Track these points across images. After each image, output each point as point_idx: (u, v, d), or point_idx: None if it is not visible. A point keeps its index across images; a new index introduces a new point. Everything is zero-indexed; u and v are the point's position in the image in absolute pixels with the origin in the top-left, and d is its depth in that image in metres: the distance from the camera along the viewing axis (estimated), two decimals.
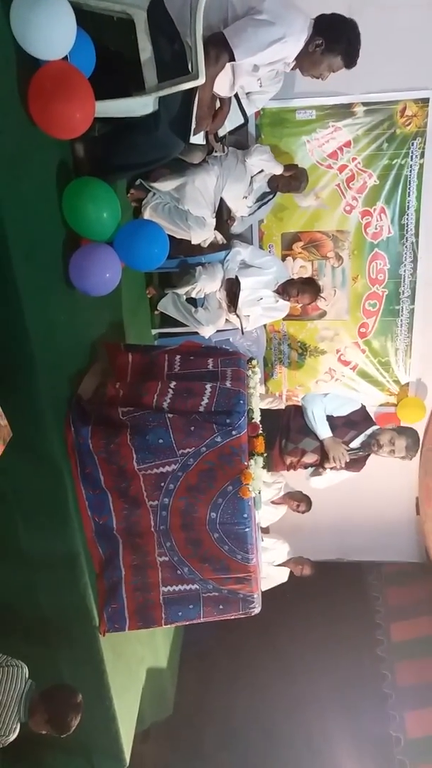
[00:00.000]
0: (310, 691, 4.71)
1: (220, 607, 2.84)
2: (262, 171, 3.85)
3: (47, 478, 2.46)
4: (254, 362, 3.03)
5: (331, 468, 3.33)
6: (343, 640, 4.94)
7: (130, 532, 2.66)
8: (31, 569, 2.64)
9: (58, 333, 2.44)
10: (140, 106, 2.50)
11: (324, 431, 3.26)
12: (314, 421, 3.27)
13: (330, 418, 3.31)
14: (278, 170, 3.84)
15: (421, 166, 4.10)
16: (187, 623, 2.97)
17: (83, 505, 2.57)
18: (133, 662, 3.40)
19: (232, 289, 3.84)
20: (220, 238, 3.94)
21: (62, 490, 2.49)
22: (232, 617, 2.90)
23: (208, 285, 3.84)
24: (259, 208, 3.99)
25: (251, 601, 2.83)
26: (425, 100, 3.93)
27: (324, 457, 3.31)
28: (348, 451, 3.29)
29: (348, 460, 3.27)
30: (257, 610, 2.88)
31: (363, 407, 3.44)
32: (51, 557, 2.61)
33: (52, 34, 2.00)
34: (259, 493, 2.73)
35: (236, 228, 4.10)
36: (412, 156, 4.08)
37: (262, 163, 3.77)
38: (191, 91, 2.53)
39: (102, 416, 2.52)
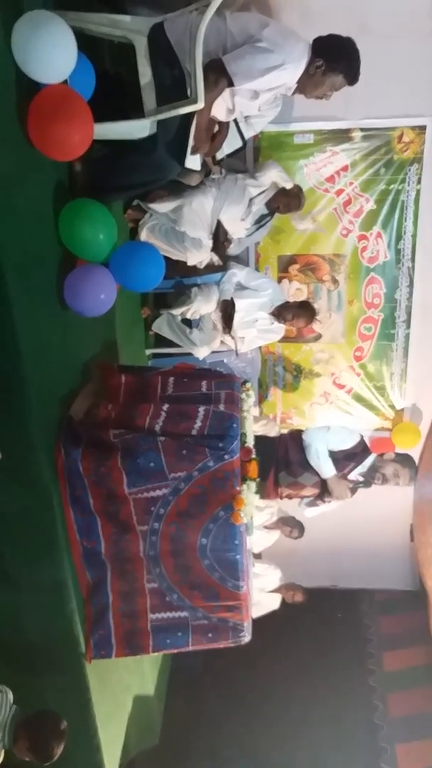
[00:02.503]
0: (300, 721, 4.62)
1: (210, 635, 2.79)
2: (262, 193, 3.85)
3: (36, 501, 2.42)
4: (248, 385, 3.02)
5: (329, 502, 3.31)
6: (335, 669, 4.84)
7: (118, 558, 2.61)
8: (17, 593, 2.59)
9: (50, 353, 2.43)
10: (138, 129, 2.52)
11: (328, 470, 3.24)
12: (318, 460, 3.25)
13: (331, 453, 3.28)
14: (289, 185, 3.85)
15: (418, 192, 4.13)
16: (176, 651, 2.91)
17: (71, 528, 2.53)
18: (120, 690, 3.33)
19: (227, 310, 3.84)
20: (216, 259, 3.95)
21: (50, 512, 2.45)
22: (222, 646, 2.84)
23: (203, 306, 3.84)
24: (257, 230, 4.01)
25: (241, 630, 2.78)
26: (422, 128, 3.97)
27: (324, 491, 3.28)
28: (351, 486, 3.27)
29: (350, 497, 3.26)
30: (247, 638, 2.83)
31: (362, 438, 3.42)
32: (37, 581, 2.57)
33: (53, 59, 2.03)
34: (251, 518, 2.70)
35: (233, 250, 4.11)
36: (408, 182, 4.11)
37: (278, 176, 3.77)
38: (190, 116, 2.55)
39: (93, 438, 2.50)
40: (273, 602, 4.40)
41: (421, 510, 4.90)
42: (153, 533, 2.55)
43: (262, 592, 4.35)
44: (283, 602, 4.44)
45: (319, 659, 4.84)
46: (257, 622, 3.01)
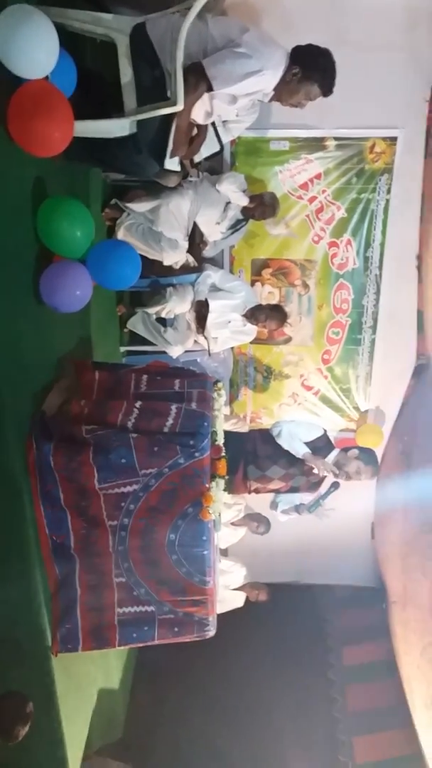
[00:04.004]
0: (261, 714, 4.68)
1: (175, 629, 2.82)
2: None
3: (5, 494, 2.42)
4: (220, 385, 3.06)
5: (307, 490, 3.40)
6: (295, 662, 4.90)
7: (87, 552, 2.62)
8: None
9: (25, 348, 2.43)
10: (118, 128, 2.54)
11: (301, 448, 3.31)
12: (291, 440, 3.32)
13: None
14: (243, 203, 3.91)
15: (387, 201, 4.24)
16: (141, 645, 2.94)
17: (41, 522, 2.54)
18: (85, 683, 3.34)
19: (201, 311, 3.89)
20: (191, 260, 3.99)
21: (20, 506, 2.46)
22: (187, 640, 2.88)
23: (178, 306, 3.87)
24: (232, 234, 4.06)
25: (206, 624, 2.82)
26: (393, 139, 4.08)
27: (294, 486, 3.36)
28: (311, 476, 3.35)
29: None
30: (212, 633, 2.87)
31: (325, 432, 3.51)
32: (5, 574, 2.56)
33: (35, 54, 2.03)
34: (219, 515, 2.75)
35: (208, 252, 4.16)
36: (379, 191, 4.22)
37: (230, 193, 3.82)
38: (169, 117, 2.58)
39: (65, 433, 2.51)
40: (237, 600, 4.47)
41: (382, 509, 5.02)
42: (122, 528, 2.57)
43: (227, 590, 4.41)
44: (247, 600, 4.51)
45: (280, 653, 4.90)
46: (220, 617, 3.05)
